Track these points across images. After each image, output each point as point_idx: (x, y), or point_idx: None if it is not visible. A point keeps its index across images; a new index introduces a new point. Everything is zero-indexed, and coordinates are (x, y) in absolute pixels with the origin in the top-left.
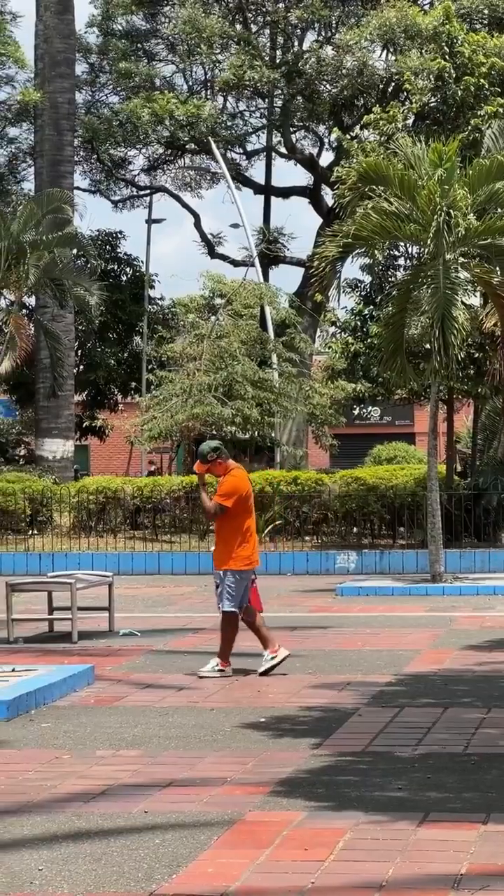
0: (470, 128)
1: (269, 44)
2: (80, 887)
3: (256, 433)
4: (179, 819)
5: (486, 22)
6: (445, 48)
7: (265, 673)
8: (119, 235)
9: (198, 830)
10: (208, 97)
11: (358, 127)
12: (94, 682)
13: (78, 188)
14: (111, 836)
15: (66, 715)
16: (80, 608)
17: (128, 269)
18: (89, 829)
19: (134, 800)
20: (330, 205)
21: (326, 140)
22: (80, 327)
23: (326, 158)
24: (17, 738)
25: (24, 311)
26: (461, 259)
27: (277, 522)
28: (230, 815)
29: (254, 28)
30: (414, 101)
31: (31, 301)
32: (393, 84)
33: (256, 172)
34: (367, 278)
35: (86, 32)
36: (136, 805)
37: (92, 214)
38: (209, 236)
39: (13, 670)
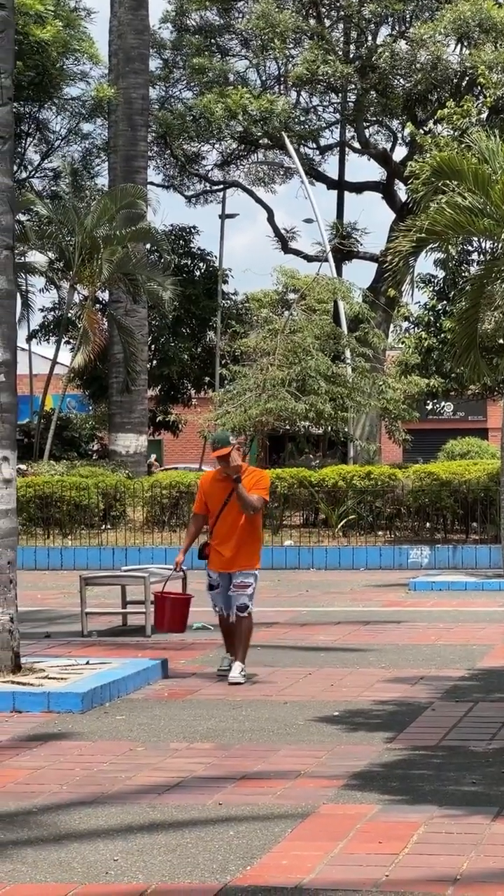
0: None
1: (342, 38)
2: (155, 877)
3: (330, 428)
4: (253, 811)
5: None
6: None
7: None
8: (192, 230)
9: (272, 823)
10: (281, 92)
11: (431, 121)
12: (168, 676)
13: (151, 183)
14: (185, 828)
15: (140, 708)
16: (153, 602)
17: (201, 264)
18: (164, 821)
19: (208, 792)
20: (403, 200)
21: (400, 135)
22: (153, 322)
23: (400, 153)
24: (91, 731)
25: (98, 305)
26: None
27: (350, 517)
28: (304, 808)
29: (327, 22)
30: (488, 94)
31: (105, 296)
32: (467, 78)
33: (330, 167)
34: (441, 273)
35: (159, 28)
36: (211, 797)
37: (165, 209)
38: (282, 231)
39: (87, 663)
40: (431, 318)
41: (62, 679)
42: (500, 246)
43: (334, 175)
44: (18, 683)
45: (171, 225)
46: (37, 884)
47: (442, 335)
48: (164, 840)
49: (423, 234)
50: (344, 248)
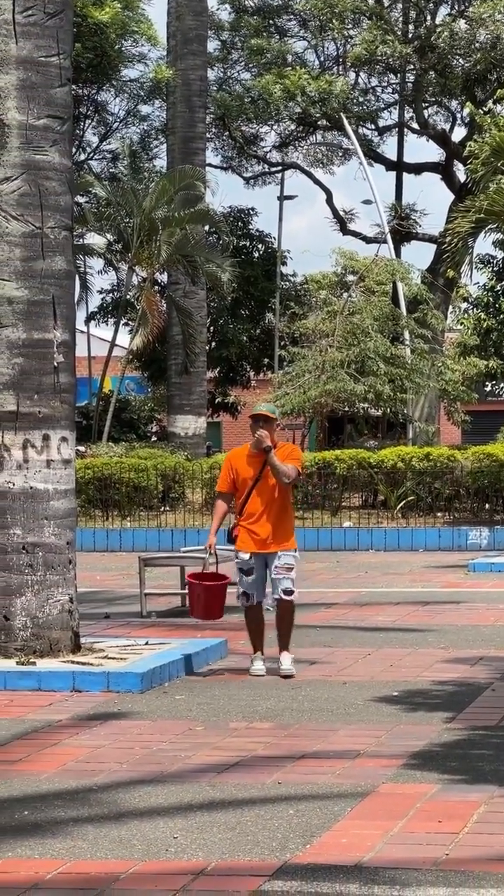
0: None
1: (401, 18)
2: (215, 855)
3: (389, 409)
4: (313, 790)
5: None
6: None
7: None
8: (251, 212)
9: (331, 802)
10: (340, 73)
11: (491, 101)
12: (227, 656)
13: (210, 165)
14: (245, 806)
15: (199, 688)
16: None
17: (260, 246)
18: (223, 799)
19: (267, 771)
20: (462, 180)
21: (459, 115)
22: (212, 304)
23: (459, 134)
24: (151, 710)
25: (157, 287)
26: None
27: (410, 499)
28: (363, 788)
29: (386, 2)
30: None
31: (164, 278)
32: None
33: (388, 148)
34: (500, 254)
35: (217, 9)
36: (270, 776)
37: (224, 191)
38: (341, 213)
39: (147, 643)
40: (490, 300)
41: (121, 659)
42: None
43: (393, 156)
44: (78, 663)
45: (230, 207)
46: (97, 860)
47: (501, 316)
48: (224, 818)
49: (482, 215)
50: (402, 230)
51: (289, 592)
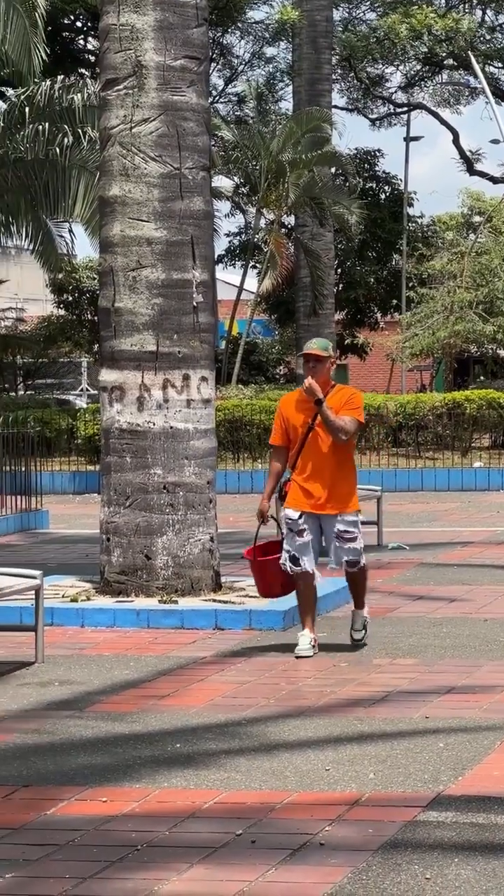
0: None
1: None
2: (368, 787)
3: None
4: (461, 724)
5: None
6: None
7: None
8: (377, 153)
9: (480, 735)
10: (467, 11)
11: None
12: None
13: (336, 107)
14: (394, 739)
15: (340, 625)
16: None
17: (386, 188)
18: (372, 733)
19: (414, 705)
20: None
21: None
22: (339, 246)
23: None
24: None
25: (284, 230)
26: None
27: None
28: None
29: None
30: None
31: (291, 220)
32: None
33: None
34: None
35: None
36: (417, 711)
37: (350, 133)
38: (468, 153)
39: (333, 568)
40: None
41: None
42: None
43: None
44: (220, 602)
45: (356, 148)
46: (252, 791)
47: None
48: (374, 751)
49: None
50: None
51: (353, 564)
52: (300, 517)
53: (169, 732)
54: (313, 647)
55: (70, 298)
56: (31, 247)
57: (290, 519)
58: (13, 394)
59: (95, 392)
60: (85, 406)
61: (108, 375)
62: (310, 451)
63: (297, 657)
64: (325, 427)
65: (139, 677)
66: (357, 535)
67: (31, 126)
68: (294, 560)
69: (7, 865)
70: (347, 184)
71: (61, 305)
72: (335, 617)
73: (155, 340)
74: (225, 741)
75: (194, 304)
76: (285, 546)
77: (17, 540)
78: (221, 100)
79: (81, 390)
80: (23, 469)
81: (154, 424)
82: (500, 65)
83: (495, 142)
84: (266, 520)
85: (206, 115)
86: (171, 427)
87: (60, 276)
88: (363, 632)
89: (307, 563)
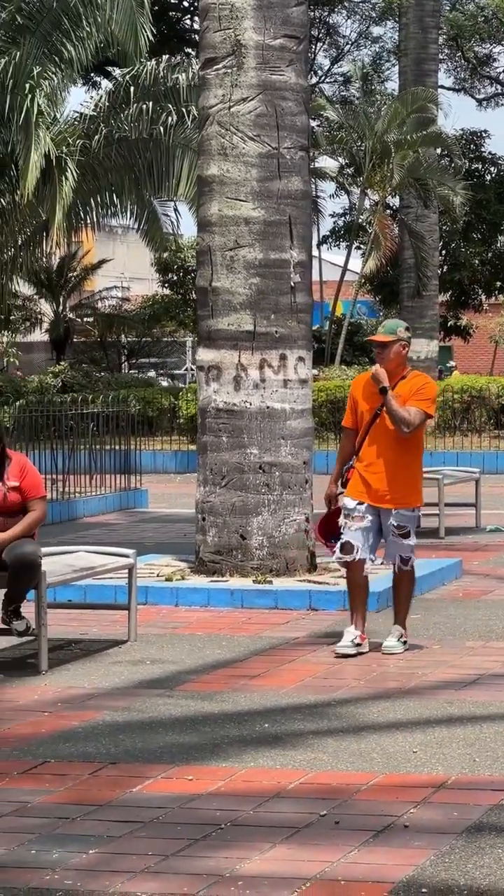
0: None
1: None
2: (455, 769)
3: None
4: None
5: None
6: None
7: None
8: (483, 134)
9: None
10: None
11: None
12: (462, 576)
13: (442, 87)
14: (484, 723)
15: (434, 607)
16: (446, 504)
17: (492, 169)
18: (462, 715)
19: None
20: None
21: None
22: (444, 227)
23: None
24: (386, 629)
25: (388, 211)
26: None
27: None
28: None
29: None
30: None
31: (395, 201)
32: None
33: None
34: None
35: None
36: None
37: (456, 113)
38: None
39: (382, 563)
40: None
41: None
42: None
43: None
44: (314, 582)
45: (462, 129)
46: (338, 772)
47: None
48: (463, 734)
49: None
50: None
51: (406, 561)
52: (359, 505)
53: (258, 712)
54: (357, 644)
55: (175, 278)
56: (136, 226)
57: (347, 508)
58: (116, 373)
59: None
60: (187, 385)
61: (204, 355)
62: (374, 439)
63: (335, 655)
64: (389, 419)
65: (231, 657)
66: (411, 532)
67: (135, 105)
68: (346, 547)
69: (92, 841)
70: (453, 165)
71: (166, 285)
72: (428, 599)
73: (252, 320)
74: (313, 722)
75: (291, 283)
76: (342, 530)
77: (117, 519)
78: (327, 80)
79: (186, 370)
80: (123, 448)
81: (250, 404)
82: None
83: None
84: (333, 504)
85: (306, 95)
86: (268, 407)
87: (165, 255)
88: (396, 644)
89: (359, 553)
